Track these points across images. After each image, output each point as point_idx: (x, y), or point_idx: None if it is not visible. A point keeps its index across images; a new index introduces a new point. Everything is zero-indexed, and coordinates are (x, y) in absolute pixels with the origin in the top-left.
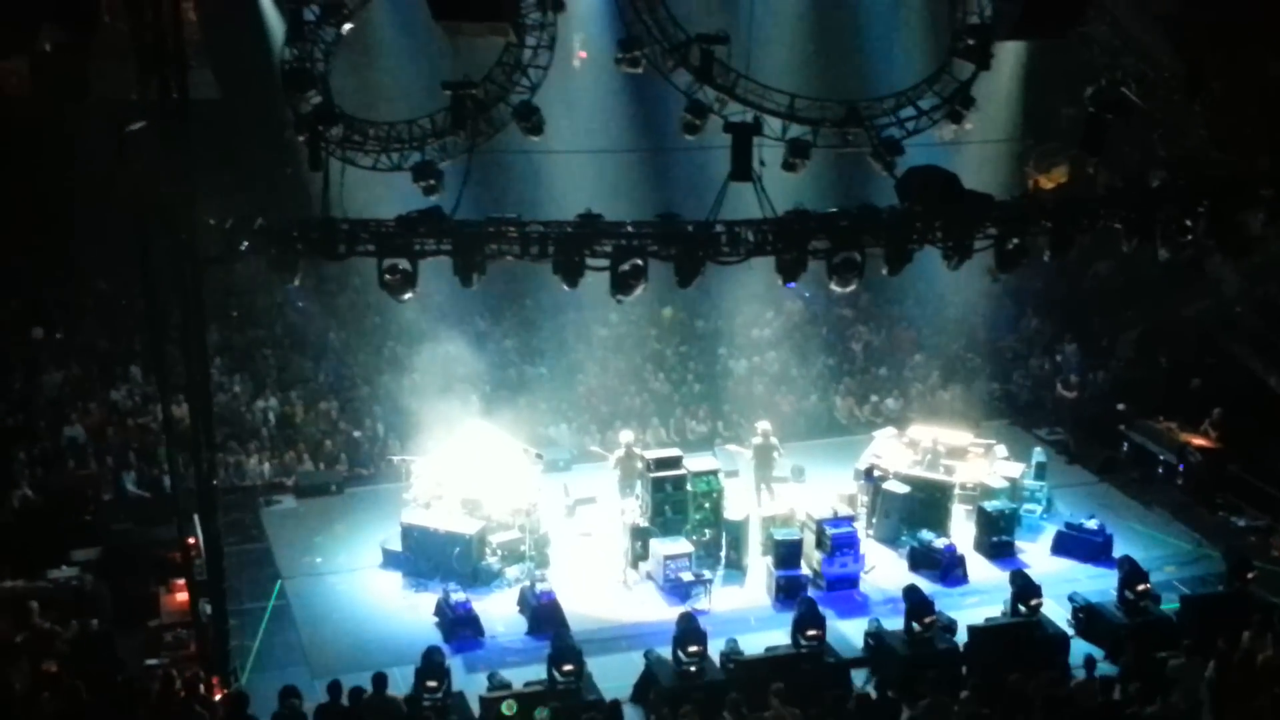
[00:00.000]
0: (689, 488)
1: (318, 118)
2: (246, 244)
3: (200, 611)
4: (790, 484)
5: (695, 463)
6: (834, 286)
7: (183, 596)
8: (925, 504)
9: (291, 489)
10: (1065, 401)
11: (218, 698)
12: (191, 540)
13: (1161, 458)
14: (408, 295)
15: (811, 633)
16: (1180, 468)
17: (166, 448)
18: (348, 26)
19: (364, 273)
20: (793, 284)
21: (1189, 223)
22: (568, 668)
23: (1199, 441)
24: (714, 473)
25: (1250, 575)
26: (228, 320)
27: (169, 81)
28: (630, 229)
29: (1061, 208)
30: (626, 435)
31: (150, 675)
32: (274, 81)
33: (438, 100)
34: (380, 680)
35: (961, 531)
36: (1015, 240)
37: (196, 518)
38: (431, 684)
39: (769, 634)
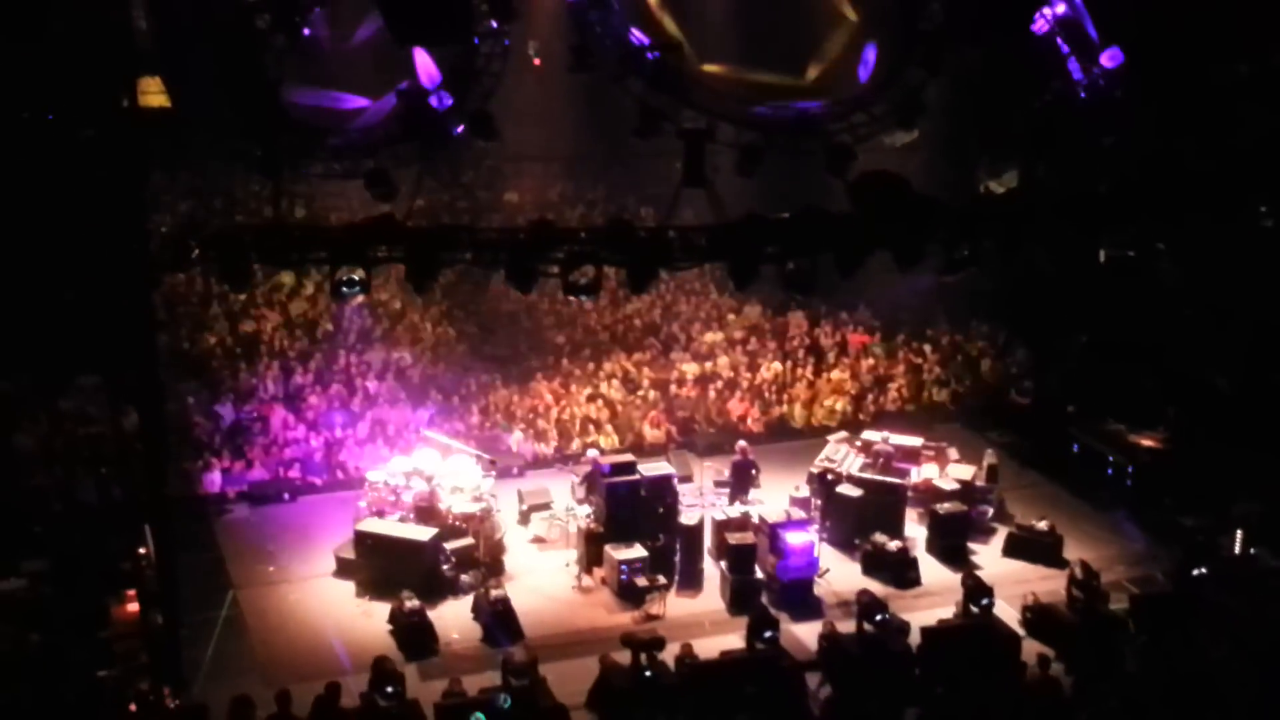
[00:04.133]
0: None
1: (271, 125)
2: (197, 252)
3: (151, 622)
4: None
5: (650, 467)
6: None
7: (134, 607)
8: (878, 507)
9: (244, 497)
10: (1018, 408)
11: (170, 708)
12: (143, 550)
13: (1111, 459)
14: (359, 300)
15: (766, 636)
16: (1130, 469)
17: (118, 457)
18: (303, 32)
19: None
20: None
21: (1137, 227)
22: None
23: (1147, 442)
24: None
25: (1198, 574)
26: (179, 328)
27: (119, 90)
28: (583, 235)
29: (1011, 212)
30: (593, 452)
31: (101, 686)
32: (226, 89)
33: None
34: (333, 690)
35: (914, 534)
36: (965, 244)
37: (148, 527)
38: (387, 691)
39: (724, 638)
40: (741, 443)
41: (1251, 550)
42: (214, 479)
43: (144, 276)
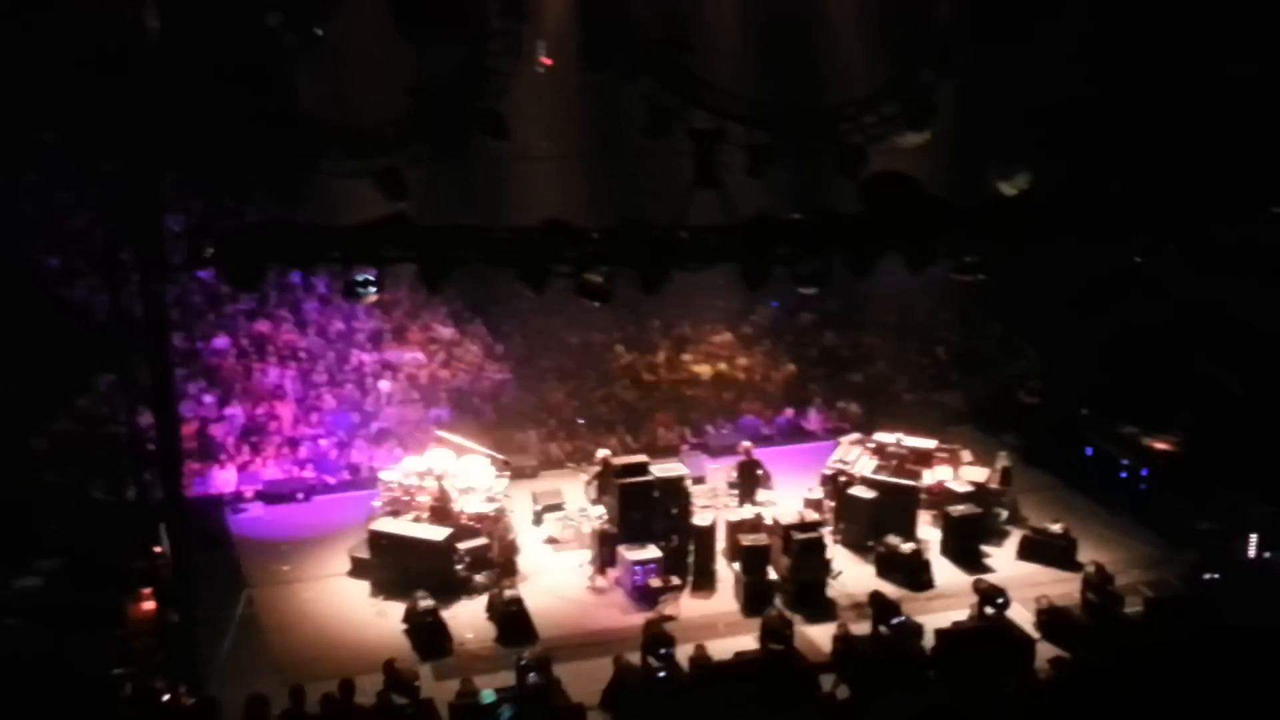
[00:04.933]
0: None
1: (282, 122)
2: (211, 251)
3: (167, 620)
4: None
5: (662, 469)
6: (800, 289)
7: (149, 605)
8: (891, 509)
9: (259, 497)
10: (1027, 408)
11: (186, 706)
12: (158, 549)
13: (1125, 461)
14: (372, 299)
15: (780, 637)
16: (1144, 472)
17: (134, 456)
18: (316, 31)
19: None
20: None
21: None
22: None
23: (1161, 445)
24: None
25: (1212, 578)
26: (193, 328)
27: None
28: (595, 235)
29: (1020, 213)
30: (603, 452)
31: (117, 684)
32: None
33: (403, 106)
34: (347, 688)
35: (928, 536)
36: (977, 246)
37: (163, 526)
38: (400, 691)
39: (737, 639)
40: (745, 442)
41: (1266, 554)
42: (228, 478)
43: (157, 276)
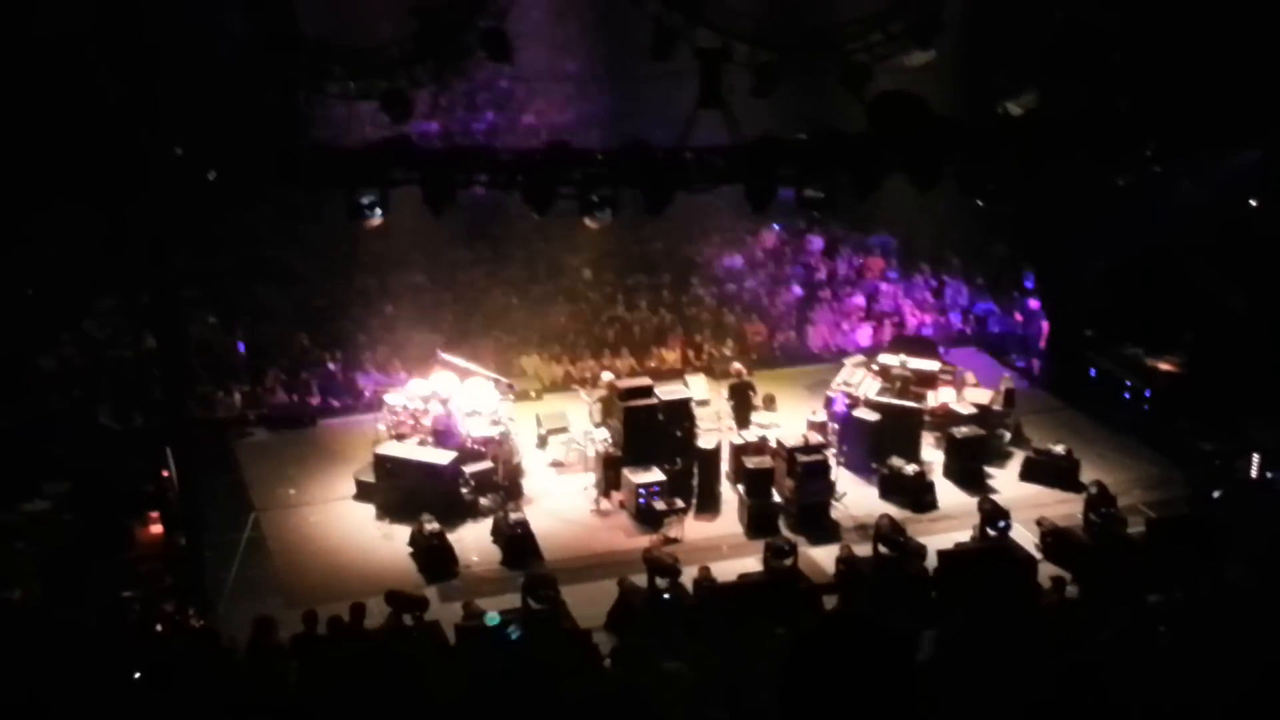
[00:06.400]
0: None
1: (284, 45)
2: (214, 173)
3: (175, 543)
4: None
5: (666, 390)
6: (804, 210)
7: (157, 529)
8: (895, 431)
9: (264, 420)
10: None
11: (194, 628)
12: (165, 473)
13: (1128, 383)
14: (376, 222)
15: (783, 560)
16: (1147, 393)
17: (139, 380)
18: None
19: (332, 200)
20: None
21: (1153, 150)
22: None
23: (1165, 366)
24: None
25: (1215, 497)
26: (196, 249)
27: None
28: (599, 157)
29: (1029, 133)
30: (607, 375)
31: (125, 607)
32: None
33: (407, 27)
34: (358, 611)
35: (931, 458)
36: (982, 166)
37: (169, 450)
38: (409, 609)
39: (741, 561)
40: (736, 364)
41: (1268, 474)
42: (233, 402)
43: (159, 198)
